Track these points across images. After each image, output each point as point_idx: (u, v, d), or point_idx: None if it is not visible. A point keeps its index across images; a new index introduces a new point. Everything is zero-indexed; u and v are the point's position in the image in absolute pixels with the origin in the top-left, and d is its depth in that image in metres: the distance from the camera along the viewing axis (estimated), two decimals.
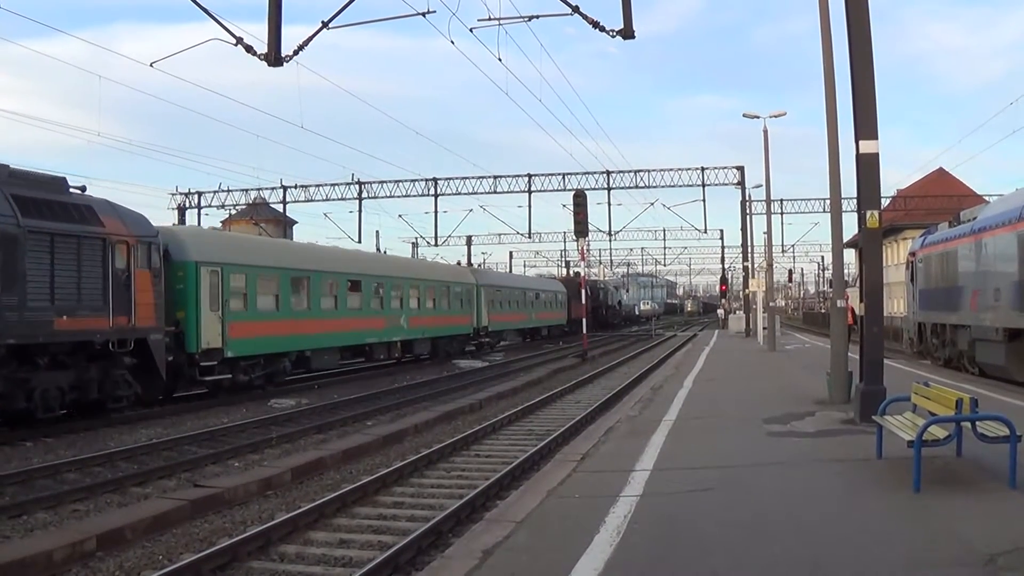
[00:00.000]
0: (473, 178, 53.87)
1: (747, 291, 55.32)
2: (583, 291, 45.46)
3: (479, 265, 79.38)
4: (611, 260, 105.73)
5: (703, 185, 52.91)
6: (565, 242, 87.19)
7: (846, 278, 19.37)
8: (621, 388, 25.09)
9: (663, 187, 53.43)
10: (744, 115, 41.62)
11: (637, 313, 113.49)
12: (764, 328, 39.90)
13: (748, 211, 55.00)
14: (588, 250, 72.88)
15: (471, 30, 18.82)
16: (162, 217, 49.73)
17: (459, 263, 55.17)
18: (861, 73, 13.39)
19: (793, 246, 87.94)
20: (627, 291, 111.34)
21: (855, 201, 14.39)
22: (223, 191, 54.73)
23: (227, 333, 23.17)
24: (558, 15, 17.32)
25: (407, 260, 46.86)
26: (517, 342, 56.14)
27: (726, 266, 78.26)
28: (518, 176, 53.88)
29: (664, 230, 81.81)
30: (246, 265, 24.87)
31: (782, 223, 65.72)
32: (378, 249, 62.99)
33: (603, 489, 9.31)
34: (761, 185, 43.69)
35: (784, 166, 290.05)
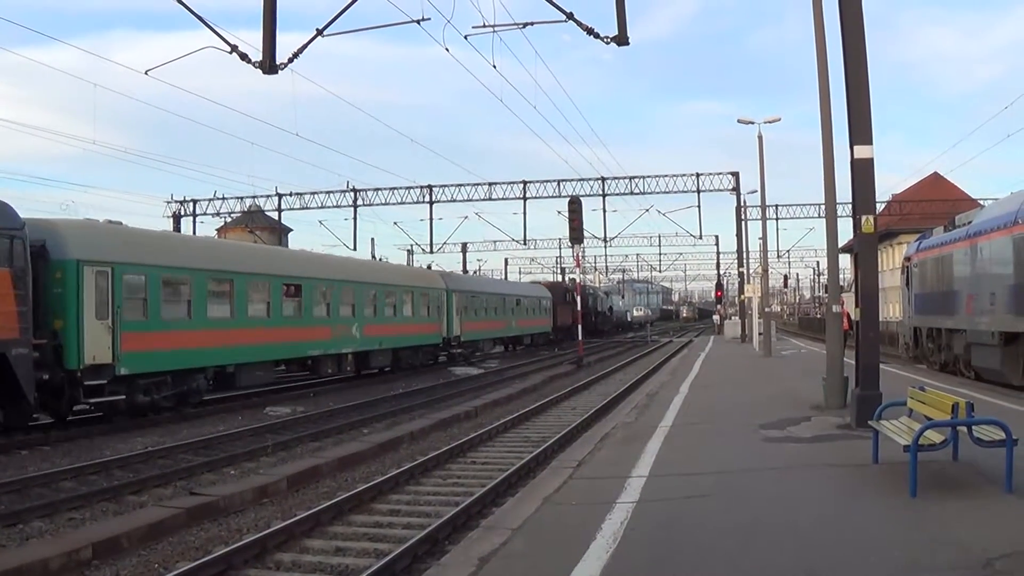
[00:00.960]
0: (468, 185, 54.05)
1: (743, 297, 55.39)
2: (577, 297, 45.50)
3: (475, 272, 79.31)
4: (607, 266, 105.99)
5: (698, 191, 53.05)
6: (561, 248, 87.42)
7: (841, 283, 19.37)
8: (617, 394, 25.08)
9: (658, 193, 53.59)
10: (739, 121, 41.63)
11: (629, 319, 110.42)
12: (760, 333, 39.87)
13: (743, 217, 55.07)
14: (584, 256, 73.06)
15: (466, 37, 18.84)
16: (158, 225, 49.86)
17: (429, 267, 49.84)
18: (855, 78, 13.43)
19: (788, 251, 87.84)
20: (623, 297, 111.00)
21: (850, 206, 14.43)
22: (218, 199, 54.88)
23: (119, 346, 19.50)
24: (552, 22, 17.35)
25: (361, 262, 41.58)
26: (496, 352, 52.41)
27: (721, 272, 78.54)
28: (513, 183, 54.06)
29: (659, 236, 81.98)
30: (146, 265, 20.94)
31: (777, 228, 65.60)
32: (373, 257, 62.83)
33: (599, 496, 9.30)
34: (756, 191, 43.65)
35: (779, 171, 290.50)
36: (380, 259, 57.65)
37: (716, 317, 79.98)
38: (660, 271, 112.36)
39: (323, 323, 29.07)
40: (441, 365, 40.15)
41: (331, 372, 29.71)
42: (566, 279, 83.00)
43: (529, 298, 58.83)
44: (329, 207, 55.42)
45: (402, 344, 35.66)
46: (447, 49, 19.24)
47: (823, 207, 20.54)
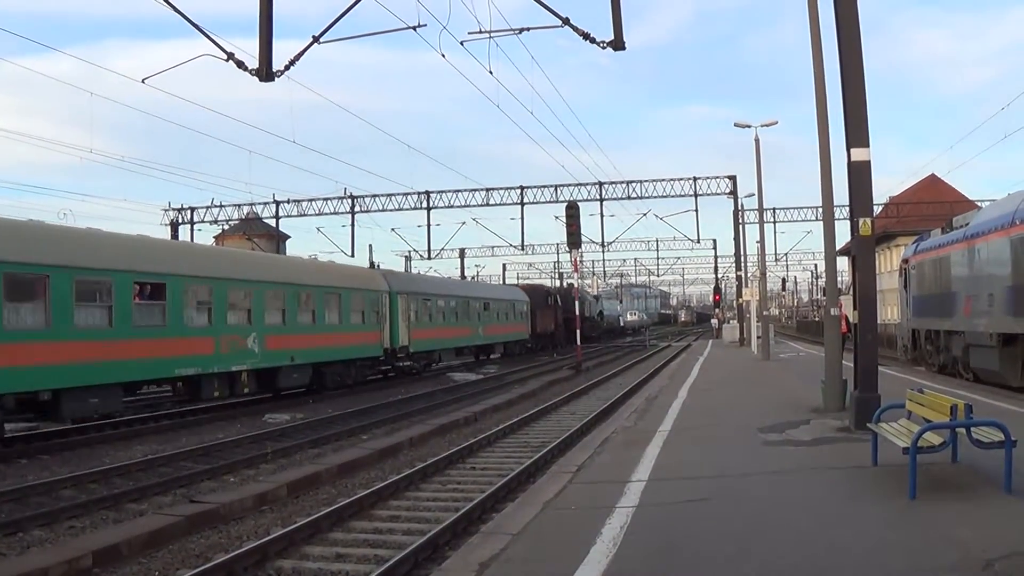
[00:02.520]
0: (465, 191, 54.05)
1: (741, 300, 55.41)
2: (576, 301, 45.38)
3: (473, 277, 79.06)
4: (604, 271, 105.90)
5: (695, 195, 53.13)
6: (558, 253, 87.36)
7: (839, 286, 19.38)
8: (616, 399, 25.07)
9: (655, 198, 53.66)
10: (735, 124, 41.86)
11: (622, 324, 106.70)
12: (758, 337, 39.90)
13: (741, 220, 55.10)
14: (581, 261, 73.06)
15: (462, 43, 18.85)
16: (156, 233, 49.82)
17: (375, 265, 43.57)
18: (852, 81, 13.46)
19: (786, 255, 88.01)
20: (621, 302, 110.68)
21: (847, 209, 14.45)
22: (216, 206, 54.88)
23: None
24: (548, 27, 17.35)
25: (263, 256, 35.13)
26: (459, 364, 45.85)
27: (719, 276, 78.51)
28: (510, 188, 54.11)
29: (657, 240, 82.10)
30: None
31: (775, 232, 65.71)
32: (371, 264, 62.70)
33: (599, 500, 9.30)
34: (753, 194, 43.66)
35: (776, 175, 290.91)
36: (378, 265, 57.38)
37: (714, 321, 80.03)
38: (658, 275, 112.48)
39: (201, 333, 23.06)
40: (384, 382, 34.95)
41: (218, 395, 23.82)
42: (564, 284, 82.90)
43: (501, 301, 53.12)
44: (327, 214, 55.53)
45: (326, 358, 29.23)
46: (443, 55, 19.25)
47: (820, 210, 20.56)
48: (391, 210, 55.07)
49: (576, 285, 52.70)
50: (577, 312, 44.20)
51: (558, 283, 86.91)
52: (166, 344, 21.63)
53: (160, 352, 21.37)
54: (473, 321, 46.04)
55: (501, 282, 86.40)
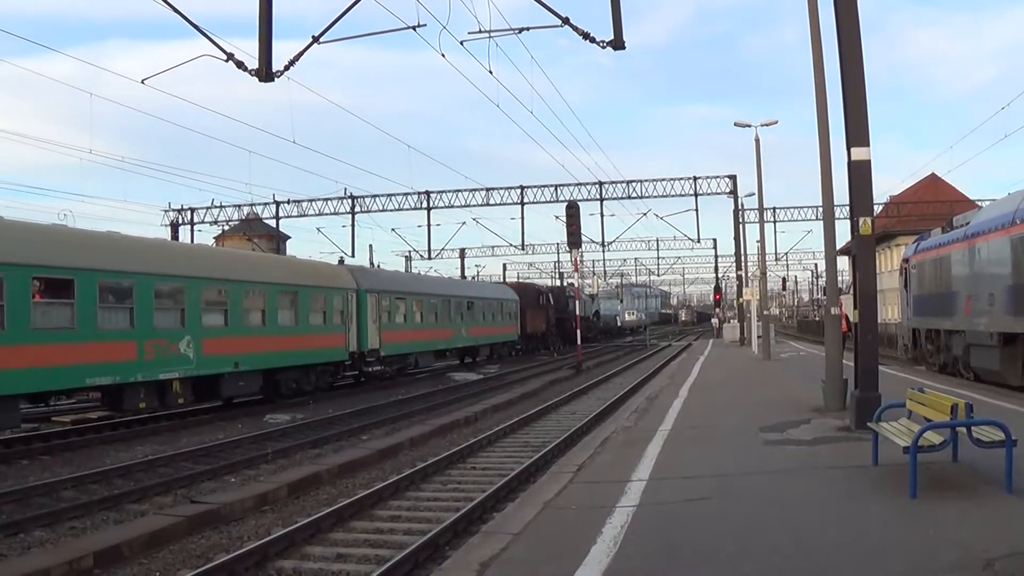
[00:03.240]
0: (466, 191, 54.04)
1: (741, 300, 55.40)
2: (576, 301, 45.41)
3: (474, 277, 78.91)
4: (605, 271, 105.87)
5: (696, 195, 53.12)
6: (559, 253, 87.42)
7: (840, 285, 19.38)
8: (616, 399, 25.08)
9: (656, 197, 53.66)
10: (736, 124, 41.76)
11: (620, 324, 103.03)
12: (758, 337, 39.90)
13: (741, 220, 55.11)
14: (582, 261, 72.98)
15: (462, 43, 18.85)
16: (156, 234, 49.82)
17: (342, 261, 39.37)
18: (852, 81, 13.46)
19: (786, 254, 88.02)
20: (621, 301, 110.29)
21: (848, 208, 14.44)
22: (216, 207, 54.89)
23: None
24: (548, 27, 17.35)
25: (201, 249, 30.83)
26: (442, 367, 43.08)
27: (720, 275, 78.47)
28: (510, 188, 54.10)
29: (657, 240, 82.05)
30: None
31: (775, 231, 65.73)
32: (371, 264, 62.62)
33: (599, 500, 9.30)
34: (753, 194, 43.65)
35: (776, 174, 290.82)
36: (378, 265, 57.24)
37: (715, 320, 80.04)
38: (658, 275, 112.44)
39: (120, 336, 20.06)
40: (352, 389, 31.98)
41: (144, 406, 21.07)
42: (564, 282, 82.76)
43: (487, 300, 49.53)
44: (327, 214, 55.55)
45: (279, 363, 26.38)
46: (443, 55, 19.25)
47: (821, 209, 20.55)
48: (391, 210, 55.14)
49: (577, 285, 52.54)
50: (569, 311, 43.81)
51: (559, 283, 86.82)
52: (74, 349, 18.75)
53: (66, 359, 18.54)
54: (455, 321, 42.99)
55: (502, 282, 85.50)
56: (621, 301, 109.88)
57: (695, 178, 52.94)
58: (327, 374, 29.84)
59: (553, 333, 63.44)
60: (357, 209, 54.70)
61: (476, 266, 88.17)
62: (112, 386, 20.07)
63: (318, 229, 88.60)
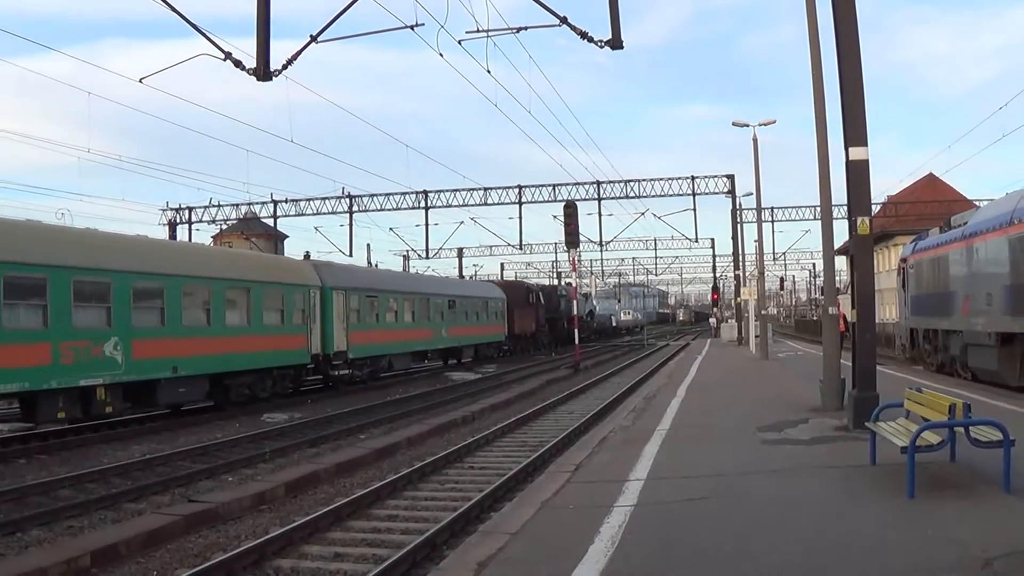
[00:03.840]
0: (463, 190, 54.04)
1: (739, 299, 55.40)
2: (574, 301, 45.34)
3: (473, 277, 78.69)
4: (603, 270, 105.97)
5: (693, 194, 53.14)
6: (556, 253, 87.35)
7: (838, 285, 19.38)
8: (614, 398, 25.09)
9: (654, 197, 53.64)
10: (734, 123, 41.72)
11: (615, 324, 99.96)
12: (756, 336, 39.91)
13: (739, 219, 55.10)
14: (579, 261, 72.97)
15: (459, 42, 18.86)
16: (154, 233, 49.81)
17: (307, 256, 35.36)
18: (850, 80, 13.45)
19: (784, 254, 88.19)
20: (619, 301, 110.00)
21: (846, 208, 14.44)
22: (214, 206, 54.86)
23: None
24: (546, 26, 17.35)
25: (132, 241, 23.35)
26: (420, 368, 41.37)
27: (718, 275, 78.51)
28: (508, 188, 54.12)
29: (655, 240, 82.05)
30: None
31: (773, 231, 65.71)
32: (369, 263, 62.51)
33: (597, 499, 9.29)
34: (751, 193, 43.62)
35: (774, 174, 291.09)
36: (375, 264, 57.14)
37: (713, 320, 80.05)
38: (656, 274, 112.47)
39: (29, 338, 17.89)
40: (318, 394, 29.33)
41: (63, 416, 18.83)
42: (562, 283, 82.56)
43: (471, 299, 46.99)
44: (325, 213, 55.55)
45: (228, 367, 23.96)
46: (441, 54, 19.22)
47: (819, 209, 20.54)
48: (389, 209, 55.15)
49: (574, 284, 52.50)
50: (561, 310, 43.23)
51: (556, 282, 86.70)
52: None
53: None
54: (435, 321, 40.50)
55: (489, 280, 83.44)
56: (619, 301, 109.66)
57: (693, 178, 52.99)
58: (286, 379, 27.29)
59: (544, 333, 62.10)
60: (355, 208, 54.72)
61: (474, 266, 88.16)
62: (22, 393, 18.10)
63: (316, 228, 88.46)
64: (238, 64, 15.86)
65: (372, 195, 54.52)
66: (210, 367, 23.21)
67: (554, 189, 53.48)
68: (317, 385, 30.80)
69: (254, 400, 25.20)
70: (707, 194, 53.43)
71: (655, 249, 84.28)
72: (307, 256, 34.66)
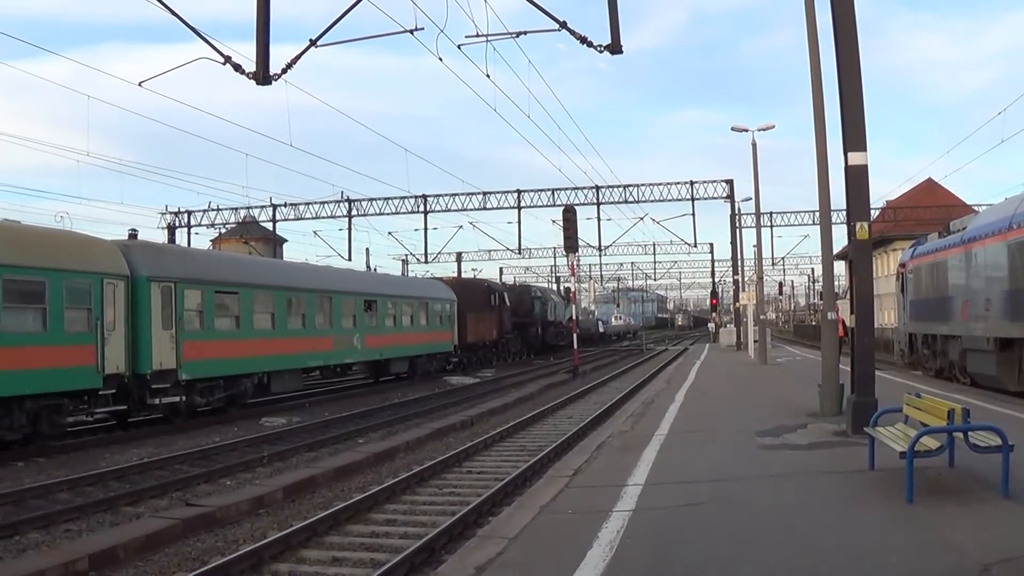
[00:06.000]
0: (462, 194, 53.99)
1: (738, 304, 55.40)
2: (572, 305, 45.26)
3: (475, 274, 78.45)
4: (601, 275, 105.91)
5: (692, 199, 53.10)
6: (555, 257, 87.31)
7: (836, 290, 19.38)
8: (613, 403, 25.07)
9: (652, 202, 53.58)
10: (733, 128, 41.57)
11: (601, 331, 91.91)
12: (755, 341, 39.91)
13: (738, 224, 55.12)
14: (578, 265, 72.91)
15: (459, 47, 18.82)
16: (152, 236, 49.70)
17: (133, 235, 23.33)
18: (849, 85, 13.46)
19: (783, 259, 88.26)
20: (617, 305, 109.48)
21: (844, 213, 14.44)
22: (212, 210, 54.77)
23: None
24: (546, 31, 17.34)
25: None
26: (317, 392, 31.78)
27: (716, 280, 78.54)
28: (507, 192, 54.04)
29: (654, 244, 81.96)
30: None
31: (772, 236, 65.90)
32: (368, 267, 62.42)
33: (596, 504, 9.29)
34: (750, 198, 43.64)
35: (773, 179, 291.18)
36: (374, 269, 56.97)
37: (711, 325, 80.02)
38: (655, 279, 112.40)
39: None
40: (145, 426, 21.52)
41: None
42: (560, 288, 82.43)
43: (400, 299, 36.83)
44: (323, 217, 55.47)
45: None
46: (440, 59, 19.24)
47: (817, 214, 20.56)
48: (388, 214, 55.09)
49: (574, 289, 52.37)
50: (534, 314, 40.52)
51: (555, 287, 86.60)
52: None
53: None
54: (342, 327, 30.98)
55: (436, 277, 61.73)
56: (617, 305, 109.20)
57: (692, 183, 52.95)
58: (59, 411, 18.47)
59: (513, 342, 55.72)
60: (354, 213, 54.67)
61: (473, 270, 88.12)
62: None
63: (315, 233, 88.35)
64: (238, 68, 15.86)
65: (371, 199, 54.52)
66: None
67: (553, 194, 53.45)
68: (108, 422, 21.54)
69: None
70: (706, 199, 53.39)
71: (654, 254, 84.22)
72: (133, 235, 23.23)
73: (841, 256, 34.36)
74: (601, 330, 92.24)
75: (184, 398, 21.94)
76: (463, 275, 71.75)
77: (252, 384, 25.32)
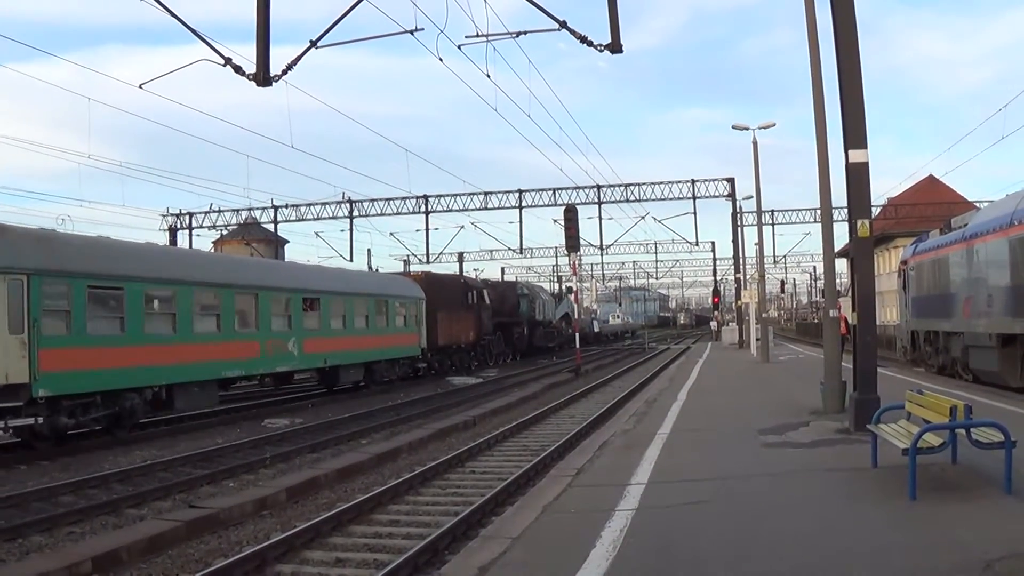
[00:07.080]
0: (464, 195, 54.11)
1: (739, 303, 55.39)
2: (575, 304, 45.17)
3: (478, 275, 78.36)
4: (603, 274, 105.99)
5: (694, 198, 53.21)
6: (557, 257, 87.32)
7: (838, 287, 19.37)
8: (615, 402, 25.07)
9: (654, 200, 53.72)
10: (734, 127, 41.54)
11: (597, 331, 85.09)
12: (757, 339, 39.90)
13: (739, 222, 55.12)
14: (580, 264, 72.90)
15: (459, 47, 18.81)
16: (154, 238, 49.76)
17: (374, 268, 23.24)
18: (849, 83, 13.46)
19: (785, 257, 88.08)
20: (619, 304, 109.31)
21: (846, 210, 14.44)
22: (214, 211, 54.89)
23: None
24: (546, 31, 17.33)
25: None
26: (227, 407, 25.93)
27: (718, 278, 78.51)
28: (508, 192, 54.17)
29: (656, 243, 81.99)
30: None
31: (773, 234, 66.00)
32: (370, 268, 62.37)
33: (598, 503, 9.29)
34: (752, 197, 43.61)
35: (774, 177, 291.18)
36: (376, 269, 56.98)
37: (713, 323, 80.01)
38: (657, 278, 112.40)
39: None
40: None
41: None
42: (562, 288, 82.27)
43: (351, 297, 31.62)
44: (325, 218, 55.59)
45: None
46: (441, 59, 19.22)
47: (819, 212, 20.56)
48: (389, 214, 55.20)
49: (575, 288, 52.34)
50: (520, 313, 39.42)
51: (557, 287, 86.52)
52: None
53: None
54: (272, 330, 26.08)
55: (403, 272, 51.87)
56: (619, 304, 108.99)
57: (693, 181, 53.04)
58: None
59: (495, 344, 51.12)
60: (355, 213, 54.77)
61: (475, 270, 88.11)
62: None
63: (316, 234, 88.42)
64: (238, 69, 15.86)
65: (372, 200, 54.62)
66: None
67: (554, 193, 53.51)
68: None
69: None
70: (707, 197, 53.54)
71: (656, 253, 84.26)
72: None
73: (843, 254, 34.28)
74: (596, 330, 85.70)
75: (42, 419, 17.29)
76: (464, 275, 70.66)
77: (143, 400, 20.43)
